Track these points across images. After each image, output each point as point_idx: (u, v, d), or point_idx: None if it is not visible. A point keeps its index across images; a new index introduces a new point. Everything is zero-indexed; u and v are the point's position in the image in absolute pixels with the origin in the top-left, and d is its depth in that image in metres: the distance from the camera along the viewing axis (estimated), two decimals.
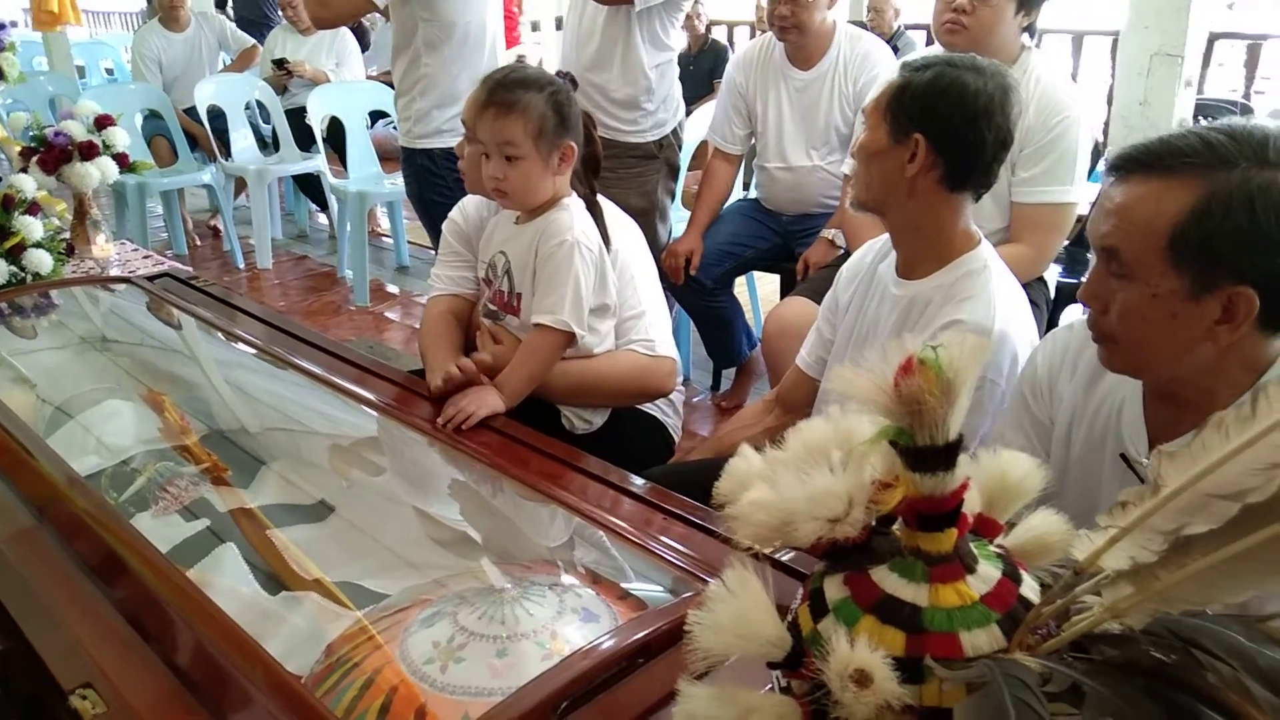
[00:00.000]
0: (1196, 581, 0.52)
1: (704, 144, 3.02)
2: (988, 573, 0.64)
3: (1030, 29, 2.09)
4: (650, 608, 1.11)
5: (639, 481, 1.37)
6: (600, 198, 1.83)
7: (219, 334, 2.02)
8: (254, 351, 1.93)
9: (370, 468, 1.74)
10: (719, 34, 6.42)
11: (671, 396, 1.91)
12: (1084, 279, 1.07)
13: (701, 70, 5.71)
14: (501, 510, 1.50)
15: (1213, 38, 4.54)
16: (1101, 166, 2.94)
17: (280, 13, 5.08)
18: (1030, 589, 0.65)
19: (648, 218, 2.82)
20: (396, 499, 1.63)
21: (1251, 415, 0.45)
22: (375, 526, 1.52)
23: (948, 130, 1.36)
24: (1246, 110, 2.87)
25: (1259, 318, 0.96)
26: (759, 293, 3.60)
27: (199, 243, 5.14)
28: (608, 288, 1.73)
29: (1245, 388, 1.01)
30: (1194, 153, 0.96)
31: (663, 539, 1.20)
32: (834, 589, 0.66)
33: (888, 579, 0.64)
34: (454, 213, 1.99)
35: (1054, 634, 0.62)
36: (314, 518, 1.51)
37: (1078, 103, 2.04)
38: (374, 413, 1.69)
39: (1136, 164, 1.00)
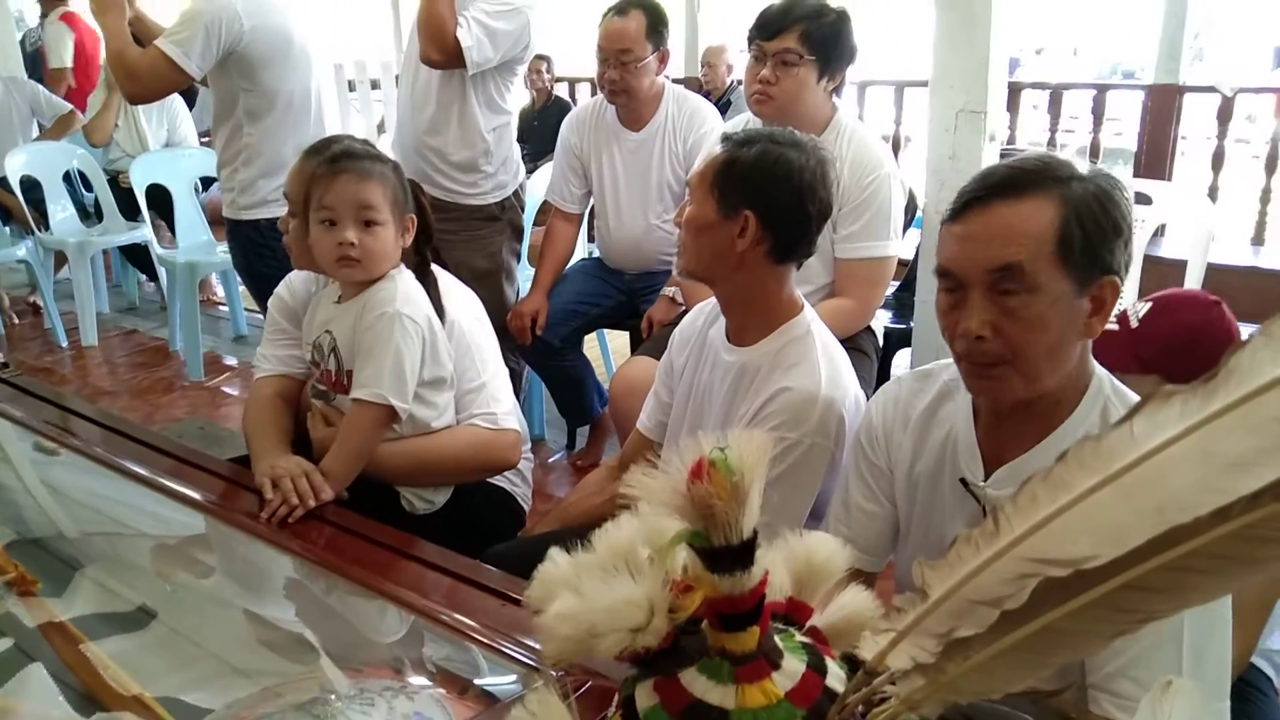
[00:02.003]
0: (980, 672, 0.53)
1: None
2: (793, 667, 0.65)
3: (838, 90, 2.19)
4: (496, 703, 1.07)
5: (480, 567, 1.33)
6: (435, 268, 1.80)
7: (24, 429, 1.88)
8: (65, 446, 1.80)
9: (194, 568, 1.64)
10: (561, 90, 6.49)
11: (519, 465, 1.88)
12: (963, 316, 1.09)
13: (546, 126, 5.75)
14: (334, 609, 1.43)
15: (1018, 88, 4.90)
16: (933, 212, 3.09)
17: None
18: (836, 678, 0.66)
19: (493, 279, 2.80)
20: (223, 601, 1.54)
21: (995, 531, 0.47)
22: (200, 632, 1.42)
23: (776, 207, 1.41)
24: None
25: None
26: (609, 346, 3.62)
27: (17, 321, 4.80)
28: (441, 360, 1.69)
29: (1074, 402, 1.12)
30: (1041, 172, 1.08)
31: (503, 630, 1.16)
32: (644, 696, 0.65)
33: (696, 682, 0.64)
34: (280, 289, 1.92)
35: None
36: (134, 626, 1.41)
37: (889, 160, 2.15)
38: (198, 508, 1.59)
39: (1002, 189, 1.08)
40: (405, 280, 1.69)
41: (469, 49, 2.49)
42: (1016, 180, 1.07)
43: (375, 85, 6.67)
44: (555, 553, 0.71)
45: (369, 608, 1.36)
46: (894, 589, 1.42)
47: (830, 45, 2.07)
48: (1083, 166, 1.09)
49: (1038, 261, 1.05)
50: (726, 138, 1.49)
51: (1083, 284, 1.06)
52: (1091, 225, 1.04)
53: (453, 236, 2.69)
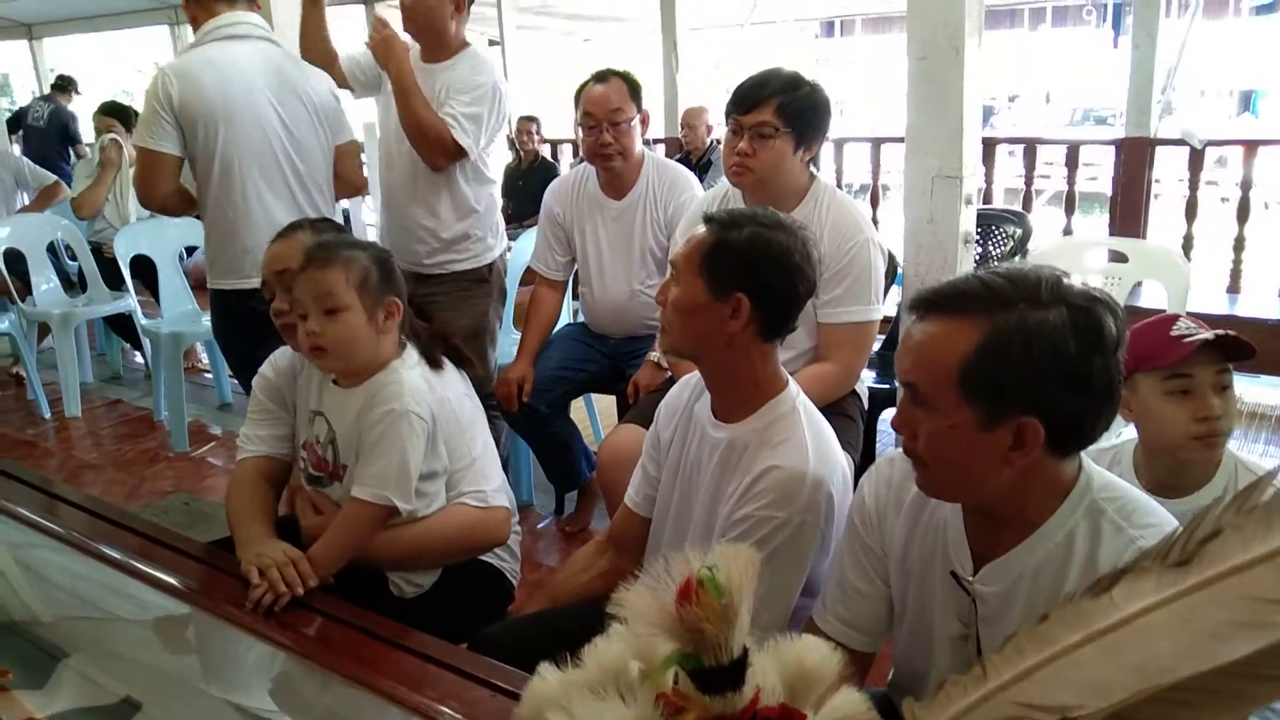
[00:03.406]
0: None
1: None
2: None
3: (814, 160, 2.22)
4: None
5: (469, 655, 1.32)
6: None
7: (4, 515, 1.86)
8: (48, 533, 1.78)
9: (180, 658, 1.61)
10: (543, 151, 6.58)
11: (507, 540, 1.88)
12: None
13: (531, 186, 5.81)
14: (322, 700, 1.41)
15: (993, 143, 4.99)
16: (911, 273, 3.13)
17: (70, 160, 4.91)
18: None
19: (478, 340, 2.85)
20: (208, 692, 1.51)
21: (984, 677, 0.47)
22: None
23: (768, 288, 1.43)
24: (1022, 218, 3.14)
25: (1048, 444, 1.04)
26: (596, 408, 3.63)
27: None
28: (439, 451, 1.69)
29: (1053, 507, 1.09)
30: (977, 296, 1.05)
31: None
32: None
33: None
34: (265, 368, 1.91)
35: None
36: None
37: (867, 226, 2.17)
38: (183, 596, 1.58)
39: (930, 306, 1.09)
40: (409, 373, 1.68)
41: (469, 147, 2.63)
42: (952, 301, 1.07)
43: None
44: (545, 669, 0.70)
45: (357, 699, 1.34)
46: (891, 667, 1.41)
47: (806, 117, 2.11)
48: (1062, 289, 1.03)
49: (937, 386, 1.05)
50: (709, 219, 1.50)
51: (991, 418, 1.03)
52: (1003, 363, 1.01)
53: (442, 298, 2.75)
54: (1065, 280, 1.04)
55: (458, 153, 2.64)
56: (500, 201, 2.95)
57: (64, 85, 7.16)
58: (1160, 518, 1.08)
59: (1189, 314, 1.47)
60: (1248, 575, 0.37)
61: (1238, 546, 0.36)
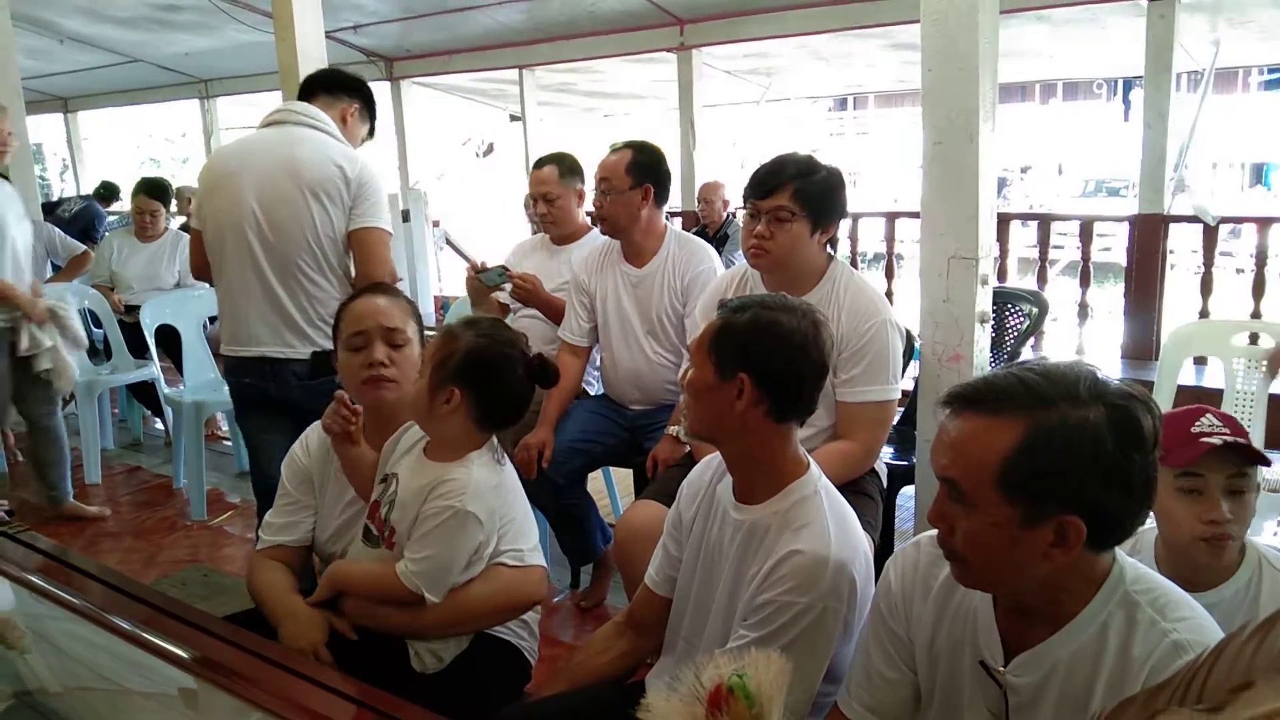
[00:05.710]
0: None
1: None
2: None
3: (833, 243, 2.26)
4: None
5: None
6: None
7: (26, 588, 1.86)
8: (68, 608, 1.78)
9: None
10: None
11: (526, 617, 1.87)
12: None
13: None
14: None
15: (1006, 218, 5.04)
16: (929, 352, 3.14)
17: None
18: None
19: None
20: None
21: None
22: None
23: (769, 368, 1.45)
24: (1037, 297, 3.15)
25: (1088, 540, 1.04)
26: (613, 476, 3.62)
27: (20, 459, 4.79)
28: (491, 539, 1.71)
29: (1087, 598, 1.09)
30: (1015, 393, 1.05)
31: None
32: None
33: None
34: (295, 447, 1.92)
35: None
36: None
37: (885, 307, 2.20)
38: (199, 671, 1.57)
39: (966, 402, 1.09)
40: (480, 471, 1.69)
41: None
42: (989, 398, 1.07)
43: None
44: None
45: None
46: None
47: (821, 201, 2.15)
48: (1100, 387, 1.04)
49: (977, 484, 1.05)
50: (723, 304, 1.54)
51: (1033, 517, 1.04)
52: (1046, 462, 1.02)
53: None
54: (1101, 377, 1.05)
55: None
56: None
57: (107, 194, 7.77)
58: (1194, 611, 1.08)
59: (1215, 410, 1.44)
60: None
61: (1270, 696, 0.37)
